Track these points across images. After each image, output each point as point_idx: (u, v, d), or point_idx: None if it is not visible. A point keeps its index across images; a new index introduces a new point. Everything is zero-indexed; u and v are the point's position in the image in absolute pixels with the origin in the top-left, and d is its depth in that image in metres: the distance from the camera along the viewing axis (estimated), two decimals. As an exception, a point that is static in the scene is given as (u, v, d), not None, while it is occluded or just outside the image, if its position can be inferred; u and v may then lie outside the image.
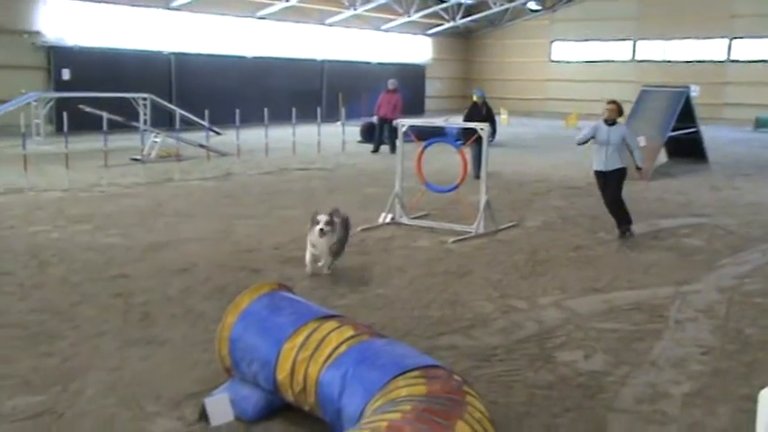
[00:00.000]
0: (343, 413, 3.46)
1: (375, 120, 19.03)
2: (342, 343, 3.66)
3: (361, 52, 32.25)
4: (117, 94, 18.95)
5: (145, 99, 19.82)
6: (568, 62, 37.07)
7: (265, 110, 17.32)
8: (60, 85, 21.46)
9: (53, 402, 4.22)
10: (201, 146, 16.58)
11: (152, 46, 24.24)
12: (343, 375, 3.50)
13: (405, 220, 9.48)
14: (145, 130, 16.67)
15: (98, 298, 6.16)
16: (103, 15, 23.03)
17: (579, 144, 9.09)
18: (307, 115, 20.38)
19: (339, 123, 20.68)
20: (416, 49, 36.00)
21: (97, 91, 18.70)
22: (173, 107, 20.53)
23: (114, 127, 15.43)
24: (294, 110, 17.67)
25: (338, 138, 18.88)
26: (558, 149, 19.66)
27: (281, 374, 3.76)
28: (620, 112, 8.80)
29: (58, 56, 21.92)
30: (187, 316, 5.76)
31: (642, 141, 11.71)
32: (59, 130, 16.84)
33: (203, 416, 4.00)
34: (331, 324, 3.85)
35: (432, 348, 5.04)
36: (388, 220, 9.47)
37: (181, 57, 24.94)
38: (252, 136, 18.32)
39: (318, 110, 19.27)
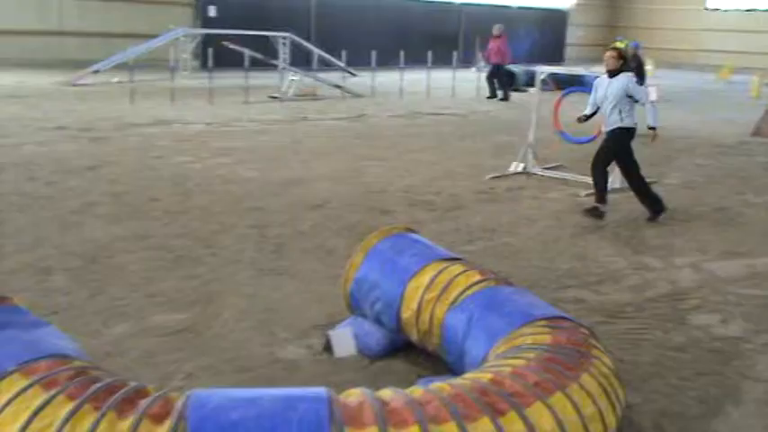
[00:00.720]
0: (466, 357, 3.48)
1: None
2: (469, 287, 3.66)
3: (501, -4, 31.36)
4: (259, 32, 19.42)
5: (285, 38, 20.23)
6: (726, 10, 34.45)
7: (401, 53, 17.27)
8: (206, 22, 22.29)
9: (193, 321, 4.50)
10: (337, 86, 16.83)
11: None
12: (468, 319, 3.51)
13: (537, 170, 9.28)
14: (284, 69, 17.08)
15: (236, 228, 6.46)
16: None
17: (583, 119, 7.54)
18: (442, 60, 20.15)
19: (475, 69, 20.35)
20: (559, -7, 34.59)
21: (240, 29, 19.18)
22: (311, 47, 20.86)
23: (255, 64, 15.89)
24: (430, 54, 17.51)
25: (473, 83, 18.59)
26: (708, 104, 18.50)
27: (406, 313, 3.81)
28: (622, 59, 7.13)
29: (205, -7, 22.73)
30: (317, 251, 5.95)
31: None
32: (204, 65, 17.59)
33: (328, 347, 4.15)
34: (458, 267, 3.84)
35: (557, 301, 4.95)
36: (519, 169, 9.30)
37: (321, -3, 25.23)
38: (387, 79, 18.36)
39: (455, 54, 19.00)
